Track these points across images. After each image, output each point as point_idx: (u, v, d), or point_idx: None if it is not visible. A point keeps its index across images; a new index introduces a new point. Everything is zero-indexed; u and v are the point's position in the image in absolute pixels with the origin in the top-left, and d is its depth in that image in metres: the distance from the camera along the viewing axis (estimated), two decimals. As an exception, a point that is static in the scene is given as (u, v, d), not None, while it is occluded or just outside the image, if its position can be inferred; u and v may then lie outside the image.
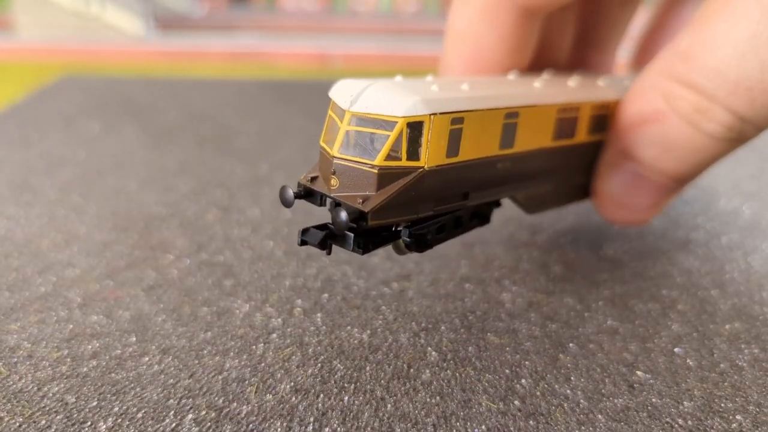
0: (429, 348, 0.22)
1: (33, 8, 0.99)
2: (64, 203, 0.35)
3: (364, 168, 0.18)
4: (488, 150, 0.21)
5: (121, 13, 1.03)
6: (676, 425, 0.19)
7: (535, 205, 0.26)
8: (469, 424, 0.19)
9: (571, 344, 0.23)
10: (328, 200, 0.19)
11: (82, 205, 0.34)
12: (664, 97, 0.21)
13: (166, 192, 0.37)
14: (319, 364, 0.21)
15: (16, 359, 0.21)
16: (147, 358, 0.21)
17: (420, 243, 0.20)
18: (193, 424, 0.18)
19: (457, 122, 0.19)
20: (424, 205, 0.19)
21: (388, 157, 0.18)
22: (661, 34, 0.32)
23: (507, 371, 0.21)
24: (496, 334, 0.23)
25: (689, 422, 0.19)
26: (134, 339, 0.22)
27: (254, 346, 0.22)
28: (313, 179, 0.19)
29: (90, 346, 0.22)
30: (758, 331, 0.24)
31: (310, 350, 0.22)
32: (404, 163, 0.18)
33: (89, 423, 0.18)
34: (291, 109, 0.59)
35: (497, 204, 0.24)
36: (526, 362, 0.22)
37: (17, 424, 0.18)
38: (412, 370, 0.21)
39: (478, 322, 0.24)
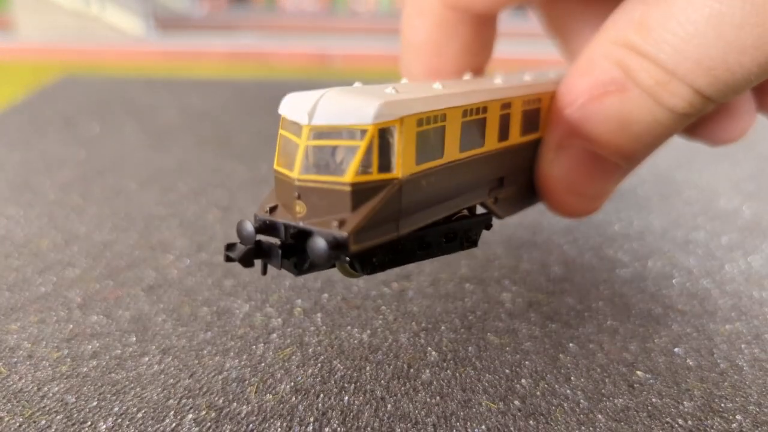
0: (429, 348, 0.22)
1: (33, 8, 0.99)
2: (64, 203, 0.35)
3: (334, 187, 0.16)
4: (471, 149, 0.19)
5: (121, 13, 1.03)
6: (677, 425, 0.19)
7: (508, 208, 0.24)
8: (469, 423, 0.19)
9: (571, 344, 0.23)
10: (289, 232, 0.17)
11: (82, 205, 0.34)
12: (621, 67, 0.20)
13: (166, 192, 0.37)
14: (319, 364, 0.21)
15: (16, 359, 0.21)
16: (147, 358, 0.21)
17: (366, 265, 0.18)
18: (193, 424, 0.18)
19: (427, 122, 0.17)
20: (405, 221, 0.17)
21: (360, 172, 0.16)
22: None
23: (507, 371, 0.21)
24: (496, 334, 0.23)
25: (689, 422, 0.19)
26: (134, 339, 0.22)
27: (254, 346, 0.22)
28: (272, 210, 0.17)
29: (90, 346, 0.22)
30: (758, 331, 0.24)
31: (310, 350, 0.22)
32: (376, 176, 0.16)
33: (89, 423, 0.18)
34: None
35: (488, 226, 0.22)
36: (526, 362, 0.22)
37: (17, 424, 0.18)
38: (412, 370, 0.21)
39: (478, 322, 0.24)
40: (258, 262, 0.17)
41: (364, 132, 0.15)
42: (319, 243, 0.15)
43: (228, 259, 0.17)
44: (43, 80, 0.71)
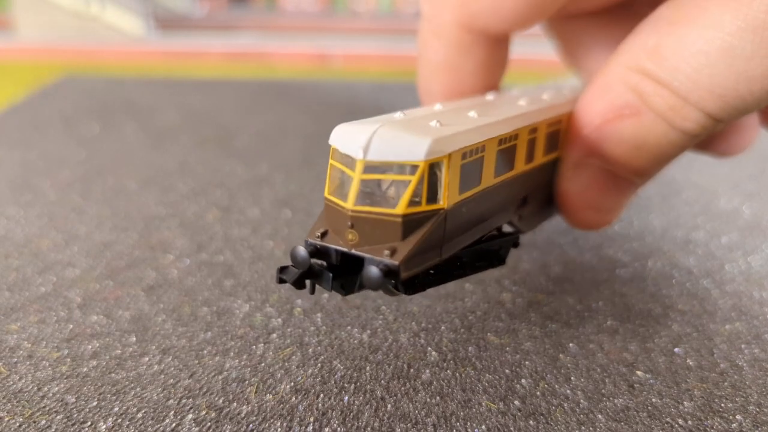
0: (429, 348, 0.22)
1: (33, 8, 0.99)
2: (64, 203, 0.35)
3: (386, 218, 0.17)
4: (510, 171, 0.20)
5: (121, 13, 1.03)
6: (677, 425, 0.19)
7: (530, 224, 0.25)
8: (469, 424, 0.19)
9: (571, 344, 0.23)
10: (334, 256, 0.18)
11: (82, 205, 0.34)
12: (636, 91, 0.21)
13: (166, 192, 0.37)
14: (319, 364, 0.21)
15: (16, 359, 0.21)
16: (147, 358, 0.21)
17: (409, 287, 0.19)
18: (193, 424, 0.18)
19: (470, 155, 0.18)
20: (447, 246, 0.18)
21: (410, 204, 0.17)
22: None
23: (507, 371, 0.21)
24: (496, 334, 0.23)
25: (689, 422, 0.19)
26: (134, 339, 0.22)
27: (254, 346, 0.22)
28: (323, 235, 0.18)
29: (90, 346, 0.22)
30: (758, 331, 0.24)
31: (310, 350, 0.22)
32: (424, 207, 0.17)
33: (89, 423, 0.18)
34: (291, 109, 0.59)
35: (515, 245, 0.23)
36: (526, 362, 0.22)
37: (17, 424, 0.18)
38: (412, 370, 0.21)
39: (478, 322, 0.24)
40: (306, 282, 0.19)
41: (414, 167, 0.17)
42: (373, 271, 0.16)
43: (281, 281, 0.18)
44: (43, 80, 0.71)
